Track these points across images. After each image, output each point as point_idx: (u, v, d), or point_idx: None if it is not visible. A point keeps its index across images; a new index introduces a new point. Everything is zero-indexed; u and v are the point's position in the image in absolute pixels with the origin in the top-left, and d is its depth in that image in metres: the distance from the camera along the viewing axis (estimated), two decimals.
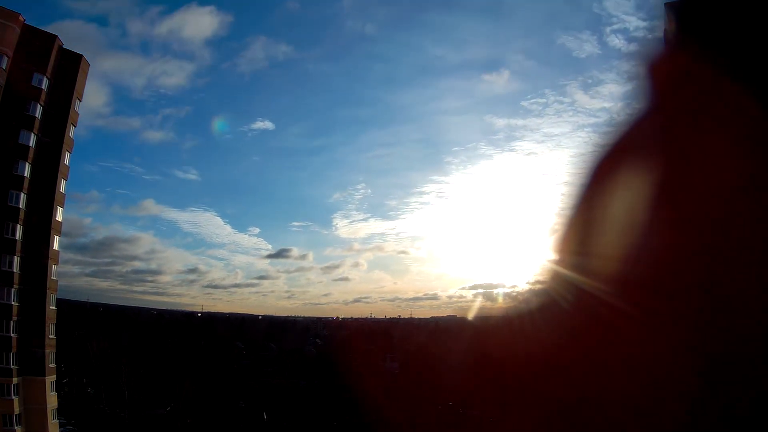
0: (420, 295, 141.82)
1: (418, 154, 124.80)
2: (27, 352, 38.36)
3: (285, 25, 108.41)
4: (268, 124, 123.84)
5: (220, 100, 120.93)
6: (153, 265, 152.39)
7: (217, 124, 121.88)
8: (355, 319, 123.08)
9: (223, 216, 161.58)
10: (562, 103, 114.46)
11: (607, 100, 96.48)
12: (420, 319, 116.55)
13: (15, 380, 37.50)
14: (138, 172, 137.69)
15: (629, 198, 0.92)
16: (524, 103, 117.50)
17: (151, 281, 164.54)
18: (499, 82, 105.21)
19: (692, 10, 0.92)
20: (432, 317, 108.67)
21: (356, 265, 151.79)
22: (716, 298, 0.82)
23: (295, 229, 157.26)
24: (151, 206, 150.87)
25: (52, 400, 39.84)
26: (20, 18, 39.17)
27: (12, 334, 37.80)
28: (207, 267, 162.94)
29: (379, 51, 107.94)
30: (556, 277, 1.03)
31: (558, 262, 1.03)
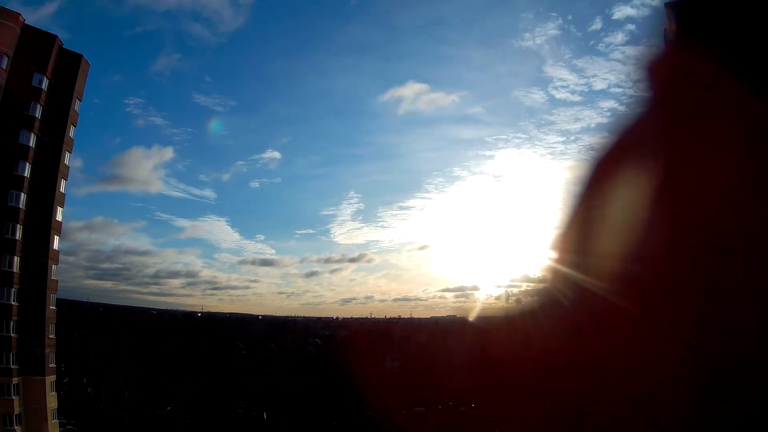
0: (401, 296, 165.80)
1: (403, 178, 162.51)
2: (27, 352, 38.36)
3: (293, 89, 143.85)
4: (276, 155, 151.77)
5: (238, 134, 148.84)
6: (156, 267, 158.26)
7: (213, 125, 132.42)
8: (355, 319, 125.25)
9: (232, 225, 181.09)
10: (520, 138, 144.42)
11: (558, 136, 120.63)
12: (420, 319, 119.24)
13: (15, 380, 37.50)
14: (159, 187, 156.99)
15: (630, 197, 0.92)
16: (488, 140, 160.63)
17: (153, 282, 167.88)
18: (466, 129, 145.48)
19: (692, 9, 0.92)
20: (432, 317, 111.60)
21: (348, 268, 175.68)
22: (717, 297, 0.81)
23: (297, 236, 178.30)
24: (166, 216, 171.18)
25: (52, 400, 39.84)
26: (20, 18, 39.17)
27: (12, 334, 37.79)
28: (210, 269, 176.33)
29: (371, 109, 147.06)
30: (556, 276, 1.03)
31: (558, 261, 1.03)
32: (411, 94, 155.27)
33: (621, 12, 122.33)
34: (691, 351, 0.82)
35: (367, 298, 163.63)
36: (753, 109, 0.79)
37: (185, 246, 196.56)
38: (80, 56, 43.25)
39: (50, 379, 39.88)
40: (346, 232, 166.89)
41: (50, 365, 39.91)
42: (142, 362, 57.66)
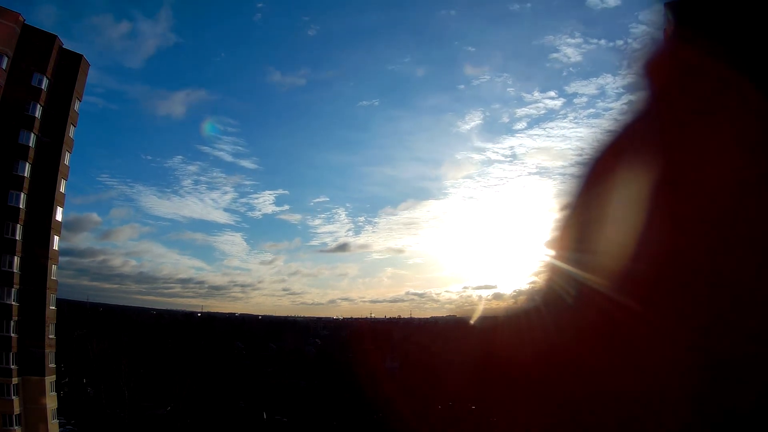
0: (380, 297, 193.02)
1: (376, 207, 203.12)
2: (27, 352, 38.35)
3: (301, 158, 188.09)
4: (285, 192, 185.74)
5: (257, 174, 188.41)
6: (166, 272, 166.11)
7: (208, 126, 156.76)
8: (355, 318, 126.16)
9: (245, 238, 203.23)
10: (469, 184, 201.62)
11: (496, 180, 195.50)
12: (420, 319, 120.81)
13: (15, 380, 37.49)
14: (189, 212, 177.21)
15: (631, 195, 0.92)
16: (446, 182, 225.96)
17: (153, 282, 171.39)
18: (424, 182, 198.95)
19: (692, 9, 0.92)
20: (432, 317, 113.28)
21: (341, 273, 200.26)
22: (718, 295, 0.81)
23: (298, 246, 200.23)
24: (184, 225, 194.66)
25: (52, 400, 39.83)
26: (20, 18, 39.16)
27: (12, 334, 37.79)
28: (217, 273, 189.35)
29: (356, 172, 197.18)
30: (556, 274, 1.03)
31: (557, 260, 1.03)
32: (387, 168, 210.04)
33: (522, 111, 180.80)
34: (693, 350, 0.82)
35: (350, 299, 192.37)
36: (754, 107, 0.79)
37: (195, 251, 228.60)
38: (80, 56, 43.25)
39: (50, 379, 39.87)
40: (341, 244, 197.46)
41: (50, 365, 39.89)
42: (142, 362, 57.64)
